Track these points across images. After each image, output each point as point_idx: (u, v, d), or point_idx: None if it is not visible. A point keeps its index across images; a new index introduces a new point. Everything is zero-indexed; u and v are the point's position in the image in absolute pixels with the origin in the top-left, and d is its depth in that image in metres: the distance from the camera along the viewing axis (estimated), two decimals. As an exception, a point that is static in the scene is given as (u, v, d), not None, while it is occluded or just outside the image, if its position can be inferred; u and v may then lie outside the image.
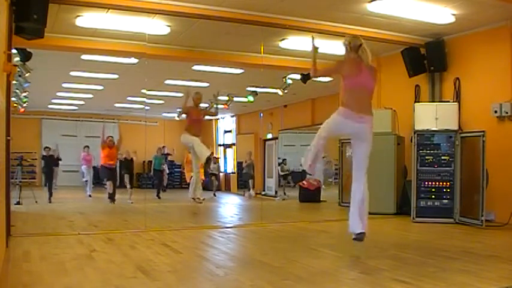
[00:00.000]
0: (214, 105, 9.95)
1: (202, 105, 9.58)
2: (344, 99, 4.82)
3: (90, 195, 12.94)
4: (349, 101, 4.76)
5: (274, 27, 7.71)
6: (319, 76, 5.01)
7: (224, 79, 11.81)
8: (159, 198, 13.10)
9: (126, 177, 12.40)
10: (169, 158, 15.48)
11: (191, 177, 9.87)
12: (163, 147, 15.28)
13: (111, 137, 11.85)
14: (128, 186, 12.25)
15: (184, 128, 9.01)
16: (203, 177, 11.77)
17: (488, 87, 7.77)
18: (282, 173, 14.63)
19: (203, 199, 9.44)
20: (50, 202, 11.55)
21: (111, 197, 11.45)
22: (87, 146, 13.72)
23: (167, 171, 15.65)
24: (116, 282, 3.72)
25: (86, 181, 13.44)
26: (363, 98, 4.77)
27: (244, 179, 14.80)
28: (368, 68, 4.84)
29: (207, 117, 10.61)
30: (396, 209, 8.61)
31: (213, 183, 15.33)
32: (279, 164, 14.72)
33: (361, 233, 4.74)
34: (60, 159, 13.40)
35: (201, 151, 8.84)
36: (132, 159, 12.75)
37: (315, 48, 5.02)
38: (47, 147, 12.72)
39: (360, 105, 4.74)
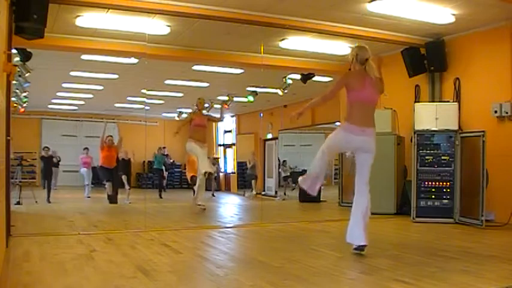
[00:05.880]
0: (214, 105, 9.84)
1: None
2: (347, 114, 4.85)
3: (88, 197, 12.93)
4: (352, 115, 4.79)
5: (274, 27, 7.71)
6: (331, 97, 4.97)
7: (224, 79, 11.81)
8: (161, 198, 13.08)
9: (124, 178, 12.29)
10: (164, 156, 15.43)
11: (191, 176, 9.79)
12: (164, 147, 15.29)
13: (111, 136, 11.79)
14: (126, 186, 12.20)
15: (189, 135, 8.89)
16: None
17: (488, 87, 7.77)
18: (284, 175, 14.58)
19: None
20: (49, 202, 11.54)
21: (111, 199, 11.39)
22: (87, 148, 13.67)
23: (166, 172, 15.65)
24: (116, 282, 3.72)
25: (87, 184, 13.41)
26: (366, 112, 4.79)
27: (247, 179, 14.67)
28: (372, 82, 4.79)
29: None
30: (396, 209, 8.61)
31: (212, 185, 15.33)
32: (279, 165, 14.68)
33: (364, 245, 4.76)
34: (59, 161, 13.40)
35: (204, 166, 8.70)
36: (129, 159, 12.71)
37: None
38: (46, 147, 12.68)
39: (363, 118, 4.77)
